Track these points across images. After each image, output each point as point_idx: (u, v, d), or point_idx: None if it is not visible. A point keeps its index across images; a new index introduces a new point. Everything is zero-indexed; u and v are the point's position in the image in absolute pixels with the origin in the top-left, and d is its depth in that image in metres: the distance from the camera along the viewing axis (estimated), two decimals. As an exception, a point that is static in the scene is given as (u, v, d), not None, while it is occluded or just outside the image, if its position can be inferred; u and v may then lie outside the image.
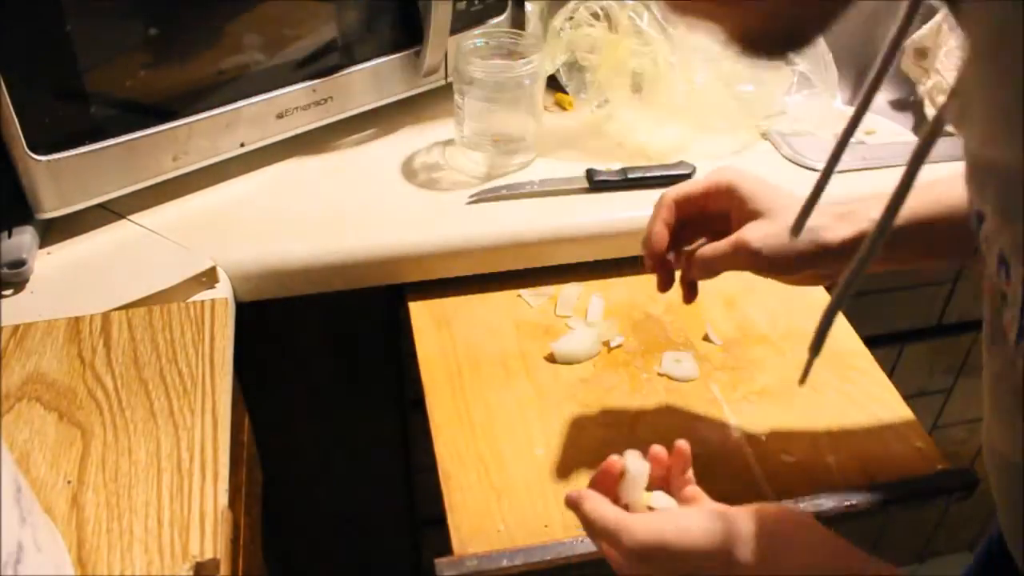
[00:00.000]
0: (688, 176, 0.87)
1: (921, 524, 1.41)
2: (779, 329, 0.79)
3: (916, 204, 0.58)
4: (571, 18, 0.90)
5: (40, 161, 0.70)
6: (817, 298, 0.82)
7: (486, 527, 0.61)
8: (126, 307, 0.70)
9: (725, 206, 0.63)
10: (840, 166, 0.91)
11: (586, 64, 0.92)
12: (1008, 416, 0.49)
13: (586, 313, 0.80)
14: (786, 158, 0.92)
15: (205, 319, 0.69)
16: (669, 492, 0.54)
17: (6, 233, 0.73)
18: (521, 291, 0.82)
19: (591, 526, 0.50)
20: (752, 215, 0.61)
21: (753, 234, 0.61)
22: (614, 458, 0.52)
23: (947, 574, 1.44)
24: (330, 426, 0.96)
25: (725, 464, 0.67)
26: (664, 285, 0.66)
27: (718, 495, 0.64)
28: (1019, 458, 0.47)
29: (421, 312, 0.80)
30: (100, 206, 0.78)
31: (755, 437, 0.69)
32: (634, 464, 0.52)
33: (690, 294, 0.66)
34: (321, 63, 0.85)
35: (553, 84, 0.96)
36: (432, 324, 0.78)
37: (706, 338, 0.78)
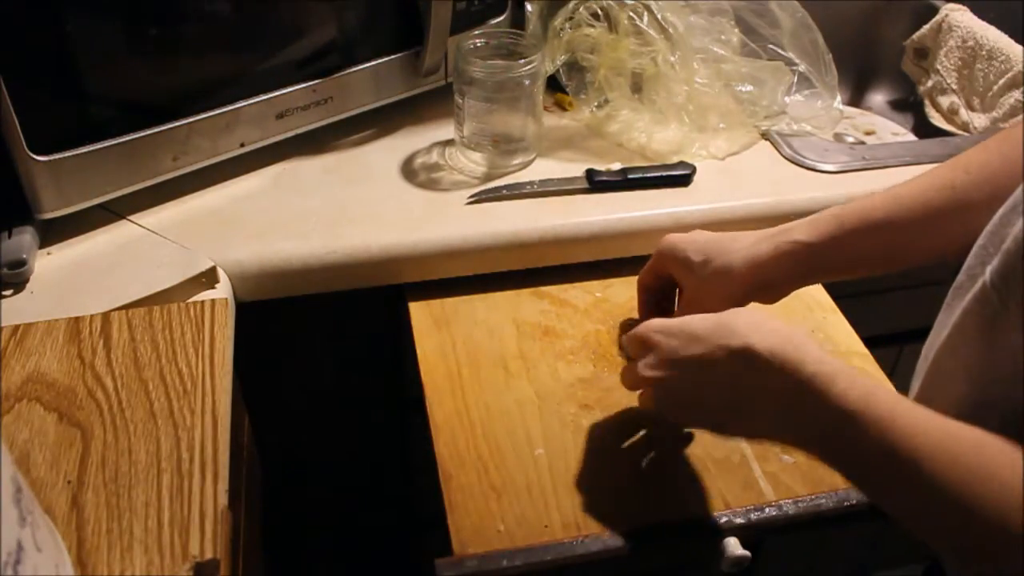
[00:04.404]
0: (688, 176, 0.87)
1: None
2: (779, 329, 0.79)
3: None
4: (571, 18, 0.90)
5: (40, 161, 0.70)
6: (817, 298, 0.82)
7: (486, 527, 0.61)
8: (126, 307, 0.70)
9: (673, 270, 0.69)
10: (840, 166, 0.92)
11: (586, 64, 0.92)
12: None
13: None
14: (786, 158, 0.92)
15: (205, 319, 0.69)
16: None
17: (6, 233, 0.73)
18: None
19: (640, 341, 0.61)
20: (693, 269, 0.67)
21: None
22: None
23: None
24: (330, 426, 0.96)
25: (725, 464, 0.67)
26: None
27: (718, 495, 0.64)
28: None
29: (421, 312, 0.80)
30: (100, 206, 0.78)
31: (755, 437, 0.69)
32: None
33: None
34: (321, 63, 0.85)
35: (553, 84, 0.96)
36: (432, 324, 0.78)
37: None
